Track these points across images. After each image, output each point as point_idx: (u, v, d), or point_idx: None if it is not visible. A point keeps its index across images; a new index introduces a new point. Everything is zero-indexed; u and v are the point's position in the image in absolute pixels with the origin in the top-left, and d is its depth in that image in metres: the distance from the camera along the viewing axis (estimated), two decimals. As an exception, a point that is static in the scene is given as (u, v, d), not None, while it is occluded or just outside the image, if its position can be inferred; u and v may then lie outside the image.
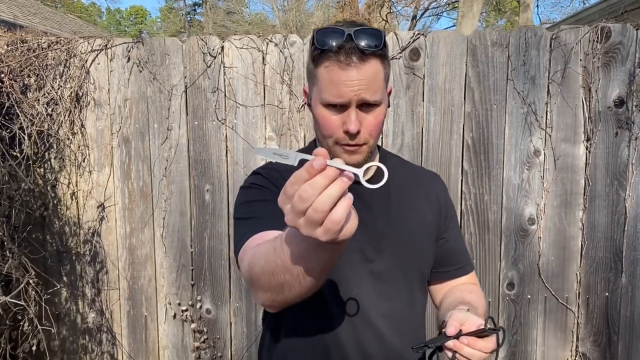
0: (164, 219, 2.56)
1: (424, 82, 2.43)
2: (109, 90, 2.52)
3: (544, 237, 2.48)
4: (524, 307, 2.52)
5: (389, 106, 1.22)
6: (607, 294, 2.49)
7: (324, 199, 0.66)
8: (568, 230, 2.48)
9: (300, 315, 1.17)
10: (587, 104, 2.41)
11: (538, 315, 2.53)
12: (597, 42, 2.37)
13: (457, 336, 0.96)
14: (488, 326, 0.92)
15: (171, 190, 2.54)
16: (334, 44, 1.06)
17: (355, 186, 1.27)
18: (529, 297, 2.52)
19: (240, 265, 1.04)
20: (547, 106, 2.42)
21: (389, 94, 1.25)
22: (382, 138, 2.46)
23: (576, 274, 2.50)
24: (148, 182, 2.55)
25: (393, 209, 1.26)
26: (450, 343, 0.96)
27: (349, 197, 0.69)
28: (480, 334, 0.94)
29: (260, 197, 1.18)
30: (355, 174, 0.69)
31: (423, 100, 2.44)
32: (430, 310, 1.44)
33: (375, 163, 0.76)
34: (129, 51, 2.50)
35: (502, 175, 2.46)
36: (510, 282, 2.51)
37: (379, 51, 1.08)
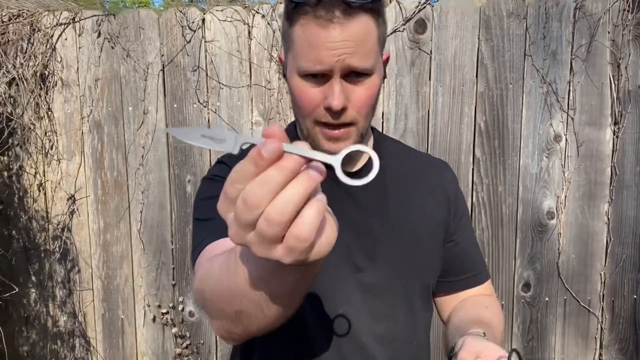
0: (141, 212, 2.31)
1: (431, 58, 2.15)
2: (77, 69, 2.26)
3: (564, 232, 2.21)
4: (541, 311, 2.26)
5: (384, 77, 0.96)
6: (635, 296, 2.23)
7: (281, 204, 0.45)
8: (591, 225, 2.21)
9: (276, 337, 0.91)
10: (615, 82, 2.12)
11: (557, 319, 2.27)
12: (628, 11, 2.08)
13: None
14: None
15: (149, 181, 2.29)
16: None
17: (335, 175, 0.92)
18: (547, 299, 2.26)
19: (194, 277, 0.80)
20: (569, 85, 2.14)
21: (386, 62, 1.00)
22: (382, 122, 2.19)
23: (600, 274, 2.23)
24: (123, 172, 2.30)
25: (390, 206, 1.02)
26: None
27: (319, 199, 0.48)
28: None
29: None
30: (328, 164, 0.48)
31: (430, 79, 2.17)
32: (437, 330, 1.19)
33: (360, 147, 0.51)
34: (99, 25, 2.22)
35: (519, 164, 2.19)
36: (526, 283, 2.25)
37: (370, 4, 0.84)
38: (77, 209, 2.33)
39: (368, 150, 0.50)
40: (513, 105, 2.16)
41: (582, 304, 2.24)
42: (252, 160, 0.45)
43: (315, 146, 0.89)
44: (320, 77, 0.86)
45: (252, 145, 0.47)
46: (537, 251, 2.23)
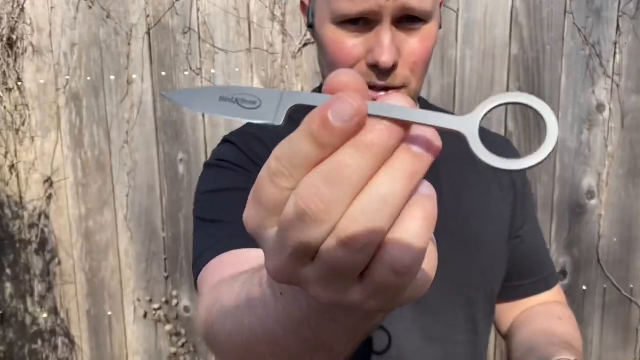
0: (127, 196, 2.03)
1: (457, 16, 1.87)
2: (50, 33, 1.96)
3: (605, 214, 1.97)
4: (578, 300, 2.03)
5: (440, 27, 0.74)
6: (682, 283, 2.00)
7: (369, 210, 0.26)
8: (636, 205, 1.97)
9: None
10: (668, 43, 1.86)
11: (595, 310, 2.04)
12: (685, -40, 1.81)
13: None
14: None
15: (135, 161, 2.01)
16: None
17: None
18: (585, 288, 2.02)
19: (200, 305, 0.58)
20: (615, 47, 1.88)
21: (441, 5, 0.76)
22: (403, 90, 1.92)
23: (644, 260, 2.00)
24: (106, 151, 2.02)
25: (445, 196, 0.79)
26: None
27: (428, 195, 0.28)
28: None
29: (232, 184, 0.75)
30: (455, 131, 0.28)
31: (457, 41, 1.89)
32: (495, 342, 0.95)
33: (518, 96, 0.29)
34: (74, -19, 1.92)
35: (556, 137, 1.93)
36: (562, 270, 2.01)
37: None
38: (55, 193, 2.05)
39: (537, 104, 0.28)
40: (551, 71, 1.89)
41: (623, 292, 2.01)
42: (311, 135, 0.26)
43: None
44: (363, 24, 0.67)
45: (309, 109, 0.27)
46: (575, 235, 1.99)
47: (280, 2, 1.88)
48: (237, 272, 0.52)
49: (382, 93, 0.69)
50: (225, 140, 0.82)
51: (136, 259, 2.08)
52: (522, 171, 0.32)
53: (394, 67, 0.67)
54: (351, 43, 0.68)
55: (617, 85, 1.89)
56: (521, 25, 1.87)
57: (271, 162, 0.28)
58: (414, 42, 0.68)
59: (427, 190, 0.28)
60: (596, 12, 1.86)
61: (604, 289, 2.02)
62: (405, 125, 0.27)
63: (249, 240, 0.47)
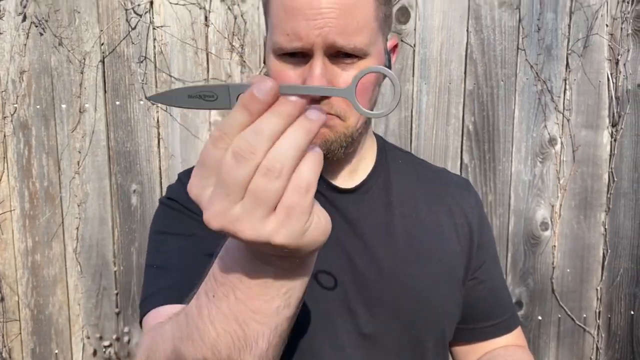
0: (77, 229, 1.95)
1: (414, 51, 1.90)
2: (-2, 59, 1.89)
3: (559, 245, 2.01)
4: (534, 330, 2.05)
5: (389, 68, 0.75)
6: (632, 312, 2.05)
7: (281, 151, 0.39)
8: (587, 236, 2.02)
9: None
10: (614, 80, 1.94)
11: (551, 339, 2.07)
12: (627, 2, 1.90)
13: None
14: None
15: (86, 192, 1.94)
16: None
17: (330, 194, 0.81)
18: (540, 318, 2.05)
19: (138, 349, 0.69)
20: (565, 83, 1.94)
21: (393, 50, 0.77)
22: (361, 123, 1.93)
23: (596, 290, 2.05)
24: (55, 181, 1.94)
25: (397, 234, 0.80)
26: None
27: (317, 151, 0.42)
28: None
29: (177, 229, 0.78)
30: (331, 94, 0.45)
31: (413, 75, 1.92)
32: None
33: (380, 68, 0.44)
34: (25, 7, 1.86)
35: (510, 170, 1.97)
36: (517, 301, 2.03)
37: None
38: (0, 226, 1.96)
39: (386, 71, 0.44)
40: (504, 105, 1.94)
41: (577, 322, 2.05)
42: (243, 107, 0.39)
43: None
44: (301, 57, 0.70)
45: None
46: (530, 266, 2.02)
47: (239, 34, 1.87)
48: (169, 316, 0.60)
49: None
50: (179, 178, 0.87)
51: (86, 294, 1.99)
52: (378, 116, 0.44)
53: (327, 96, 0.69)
54: (289, 74, 0.70)
55: (568, 120, 1.95)
56: (476, 62, 1.91)
57: (213, 132, 0.40)
58: (348, 77, 0.69)
59: (317, 149, 0.41)
60: (547, 50, 1.92)
61: (558, 318, 2.06)
62: (306, 97, 0.40)
63: (183, 294, 0.61)
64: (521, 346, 0.91)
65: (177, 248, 0.76)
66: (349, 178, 0.81)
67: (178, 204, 0.80)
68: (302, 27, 0.65)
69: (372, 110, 0.70)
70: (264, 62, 0.79)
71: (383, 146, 0.88)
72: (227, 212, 0.39)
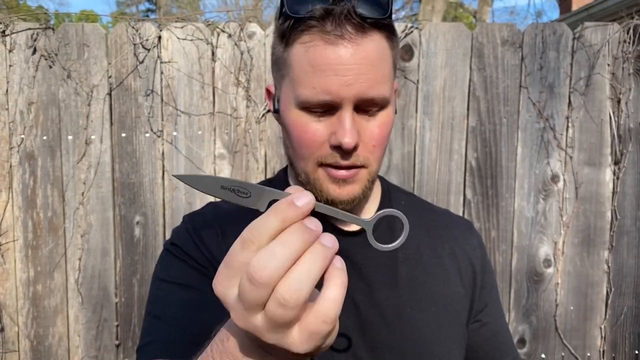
0: (79, 259, 1.95)
1: (417, 88, 1.92)
2: (7, 90, 1.91)
3: (562, 282, 2.00)
4: (537, 369, 2.03)
5: (395, 112, 0.77)
6: (636, 352, 2.03)
7: (296, 282, 0.41)
8: (591, 273, 2.01)
9: None
10: (616, 119, 1.95)
11: (554, 378, 2.04)
12: (628, 43, 1.92)
13: None
14: None
15: (89, 223, 1.94)
16: (317, 6, 0.66)
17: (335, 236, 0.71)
18: (544, 356, 2.03)
19: None
20: (567, 121, 1.96)
21: (395, 92, 0.78)
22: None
23: (600, 328, 2.03)
24: (59, 212, 1.95)
25: (400, 277, 0.81)
26: None
27: (340, 267, 0.44)
28: None
29: (180, 279, 0.79)
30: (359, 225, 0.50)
31: (416, 112, 1.94)
32: None
33: (393, 211, 0.50)
34: (35, 40, 1.90)
35: (513, 207, 1.97)
36: (521, 339, 2.02)
37: (387, 19, 0.70)
38: (3, 256, 1.96)
39: (399, 215, 0.49)
40: (507, 142, 1.95)
41: (581, 361, 2.03)
42: (278, 213, 0.42)
43: (317, 192, 0.74)
44: (326, 109, 0.70)
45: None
46: (532, 303, 2.01)
47: (245, 69, 1.89)
48: None
49: (344, 171, 0.72)
50: (184, 221, 0.85)
51: (86, 325, 1.98)
52: (389, 249, 0.49)
53: (355, 148, 0.70)
54: (315, 127, 0.70)
55: (570, 157, 1.96)
56: (478, 98, 1.93)
57: (244, 233, 0.42)
58: (373, 127, 0.71)
59: (340, 263, 0.43)
60: (549, 88, 1.94)
61: (562, 357, 2.03)
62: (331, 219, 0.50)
63: (176, 349, 0.67)
64: None
65: (177, 299, 0.76)
66: None
67: (181, 252, 0.80)
68: (332, 83, 0.66)
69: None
70: (274, 112, 0.78)
71: (387, 188, 0.89)
72: (249, 321, 0.42)
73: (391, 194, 0.89)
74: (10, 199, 1.94)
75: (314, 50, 0.66)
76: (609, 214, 1.99)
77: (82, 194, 1.93)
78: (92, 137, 1.92)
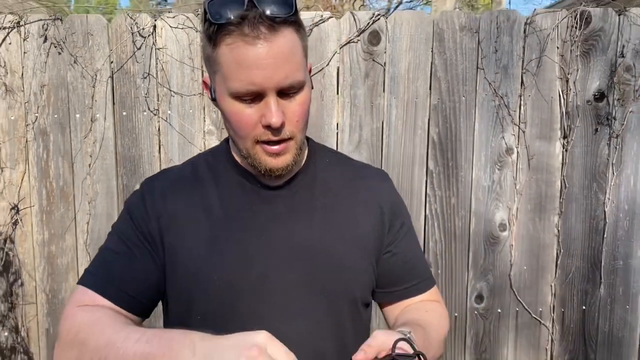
0: (87, 223, 2.23)
1: (384, 69, 2.15)
2: (22, 74, 2.18)
3: (516, 244, 2.23)
4: (493, 322, 2.27)
5: (312, 87, 0.96)
6: (584, 307, 2.26)
7: None
8: (542, 237, 2.23)
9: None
10: (564, 97, 2.16)
11: (509, 331, 2.28)
12: (576, 28, 2.12)
13: None
14: (397, 352, 0.72)
15: (96, 191, 2.21)
16: (233, 14, 0.81)
17: (263, 192, 1.01)
18: (499, 311, 2.27)
19: (64, 320, 0.88)
20: (520, 99, 2.17)
21: (310, 72, 0.99)
22: (337, 134, 2.17)
23: (550, 286, 2.26)
24: (69, 181, 2.22)
25: (315, 224, 0.99)
26: None
27: None
28: None
29: (123, 234, 0.97)
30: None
31: (384, 91, 2.17)
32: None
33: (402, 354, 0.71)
34: (46, 30, 2.15)
35: (471, 176, 2.20)
36: (479, 295, 2.25)
37: (293, 16, 0.85)
38: (21, 220, 2.24)
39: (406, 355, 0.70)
40: (466, 118, 2.17)
41: (533, 315, 2.26)
42: None
43: (257, 163, 0.90)
44: (254, 97, 0.86)
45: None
46: (489, 263, 2.24)
47: (230, 54, 2.13)
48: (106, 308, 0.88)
49: (276, 146, 0.90)
50: (140, 186, 1.03)
51: (94, 281, 2.25)
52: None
53: (282, 125, 0.88)
54: (247, 112, 0.87)
55: (523, 132, 2.18)
56: (439, 79, 2.15)
57: None
58: (294, 106, 0.89)
59: None
60: (503, 69, 2.15)
61: (516, 311, 2.27)
62: None
63: (112, 291, 0.91)
64: (435, 301, 1.13)
65: (122, 252, 0.93)
66: (282, 178, 1.04)
67: (131, 214, 0.97)
68: (256, 76, 0.83)
69: None
70: (212, 100, 0.94)
71: (314, 147, 1.09)
72: None
73: (316, 153, 1.07)
74: (27, 170, 2.22)
75: (237, 51, 0.82)
76: (558, 183, 2.20)
77: (89, 165, 2.20)
78: (97, 115, 2.18)
